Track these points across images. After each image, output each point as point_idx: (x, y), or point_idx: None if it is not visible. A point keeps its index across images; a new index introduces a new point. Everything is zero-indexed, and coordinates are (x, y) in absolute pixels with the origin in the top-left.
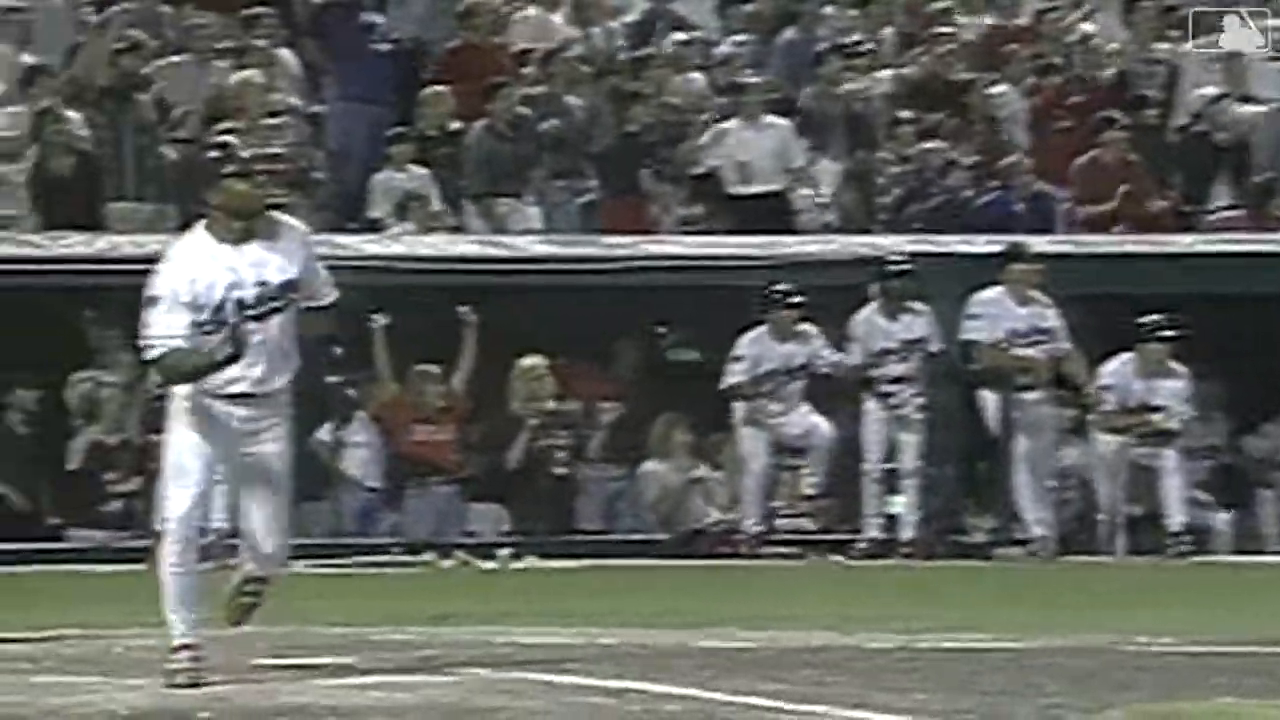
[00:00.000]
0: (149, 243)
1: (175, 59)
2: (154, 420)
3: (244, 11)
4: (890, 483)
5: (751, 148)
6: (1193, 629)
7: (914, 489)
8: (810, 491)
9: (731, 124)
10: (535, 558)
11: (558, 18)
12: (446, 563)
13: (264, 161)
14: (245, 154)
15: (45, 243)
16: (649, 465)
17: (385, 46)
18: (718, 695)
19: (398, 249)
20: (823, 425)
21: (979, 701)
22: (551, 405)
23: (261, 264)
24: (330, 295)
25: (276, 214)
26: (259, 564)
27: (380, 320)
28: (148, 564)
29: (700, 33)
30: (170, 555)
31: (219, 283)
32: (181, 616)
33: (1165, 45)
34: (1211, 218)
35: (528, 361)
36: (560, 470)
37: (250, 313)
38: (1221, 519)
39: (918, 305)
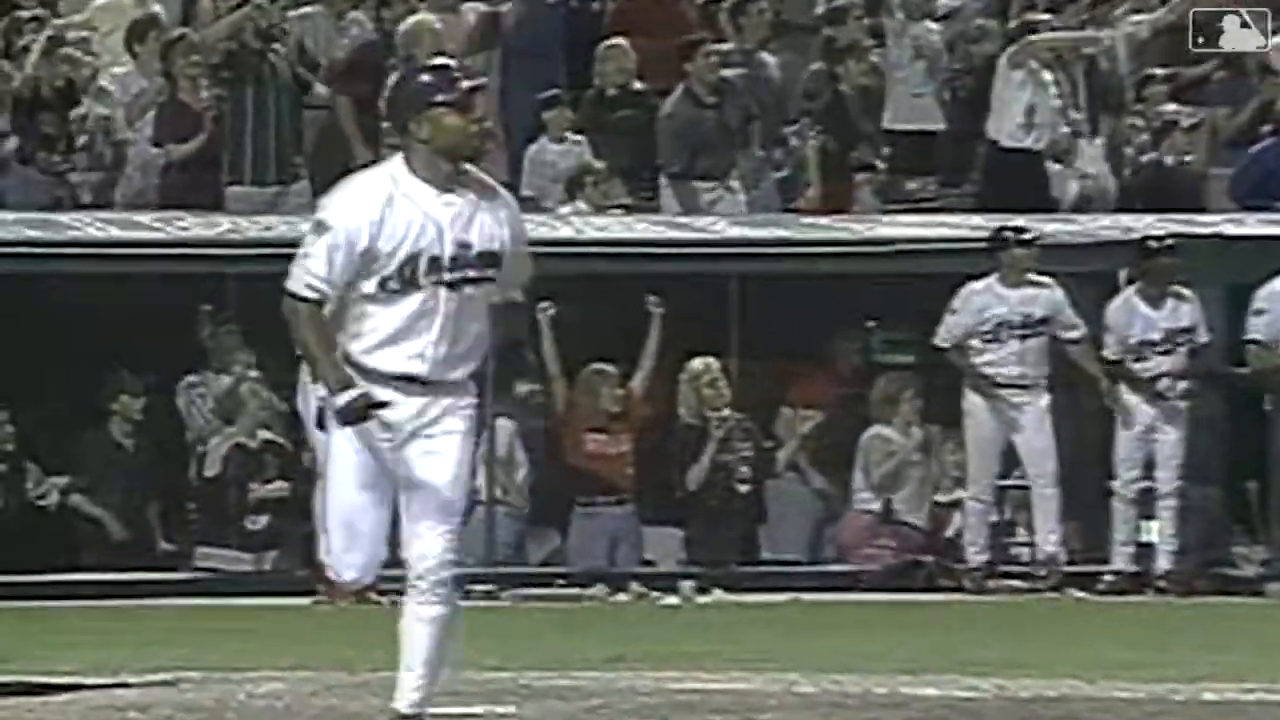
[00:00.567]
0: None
1: (308, 9)
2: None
3: None
4: (1145, 504)
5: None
6: None
7: (1172, 512)
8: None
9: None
10: (722, 591)
11: None
12: (621, 596)
13: (483, 99)
14: (466, 84)
15: (159, 225)
16: (872, 430)
17: None
18: None
19: (565, 231)
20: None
21: None
22: (726, 413)
23: (466, 221)
24: (518, 294)
25: (482, 173)
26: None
27: (548, 309)
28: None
29: None
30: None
31: (412, 231)
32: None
33: None
34: None
35: (698, 363)
36: (744, 488)
37: (445, 276)
38: None
39: (1184, 290)
